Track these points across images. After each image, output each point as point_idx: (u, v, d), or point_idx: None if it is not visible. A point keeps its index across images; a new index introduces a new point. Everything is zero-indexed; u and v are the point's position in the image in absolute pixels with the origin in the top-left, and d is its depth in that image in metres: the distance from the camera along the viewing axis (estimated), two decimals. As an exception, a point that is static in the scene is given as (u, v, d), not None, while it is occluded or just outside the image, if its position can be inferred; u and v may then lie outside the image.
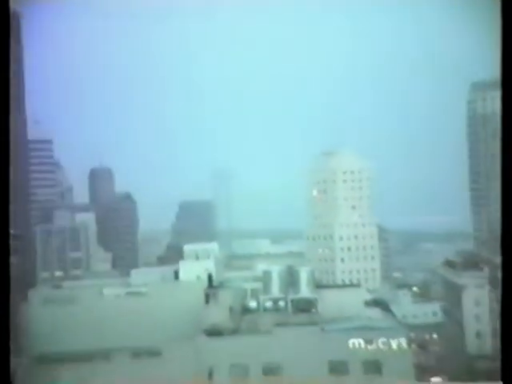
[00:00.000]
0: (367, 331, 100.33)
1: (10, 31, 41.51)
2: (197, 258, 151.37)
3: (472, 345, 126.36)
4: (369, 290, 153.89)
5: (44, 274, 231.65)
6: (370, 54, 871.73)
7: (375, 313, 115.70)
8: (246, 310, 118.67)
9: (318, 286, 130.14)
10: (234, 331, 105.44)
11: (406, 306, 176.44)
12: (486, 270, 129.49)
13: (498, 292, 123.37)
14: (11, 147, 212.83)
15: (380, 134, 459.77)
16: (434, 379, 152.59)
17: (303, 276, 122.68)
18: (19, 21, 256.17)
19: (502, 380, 38.41)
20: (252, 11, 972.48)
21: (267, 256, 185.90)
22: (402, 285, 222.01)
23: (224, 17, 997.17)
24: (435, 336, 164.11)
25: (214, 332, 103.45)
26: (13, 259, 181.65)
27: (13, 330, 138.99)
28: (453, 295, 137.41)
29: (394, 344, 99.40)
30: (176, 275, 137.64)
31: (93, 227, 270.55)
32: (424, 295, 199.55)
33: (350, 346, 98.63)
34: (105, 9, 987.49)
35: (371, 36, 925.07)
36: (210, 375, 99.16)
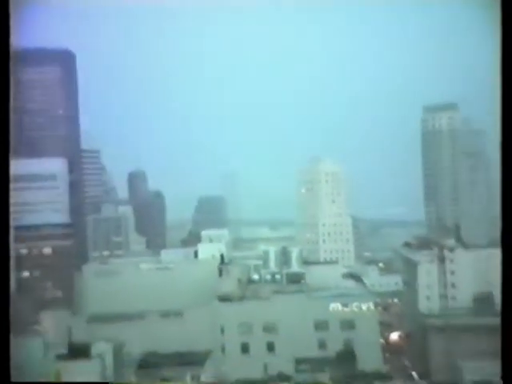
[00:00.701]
0: (344, 297, 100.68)
1: (9, 36, 36.07)
2: (211, 241, 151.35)
3: (424, 306, 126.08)
4: (345, 266, 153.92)
5: (94, 254, 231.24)
6: (351, 72, 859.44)
7: (350, 283, 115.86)
8: (250, 282, 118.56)
9: (306, 262, 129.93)
10: (241, 298, 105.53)
11: (374, 278, 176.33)
12: (435, 249, 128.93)
13: (444, 266, 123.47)
14: (70, 157, 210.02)
15: (355, 144, 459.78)
16: (394, 334, 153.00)
17: (294, 255, 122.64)
18: (75, 59, 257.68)
19: (502, 380, 34.20)
20: (245, 27, 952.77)
21: (266, 239, 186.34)
22: (371, 261, 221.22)
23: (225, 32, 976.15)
24: (396, 300, 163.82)
25: (225, 298, 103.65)
26: (70, 242, 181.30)
27: (71, 296, 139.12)
28: (410, 269, 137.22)
29: (364, 307, 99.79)
30: (195, 254, 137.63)
31: (131, 217, 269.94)
32: (388, 269, 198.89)
33: (331, 308, 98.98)
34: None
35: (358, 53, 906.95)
36: (222, 331, 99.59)
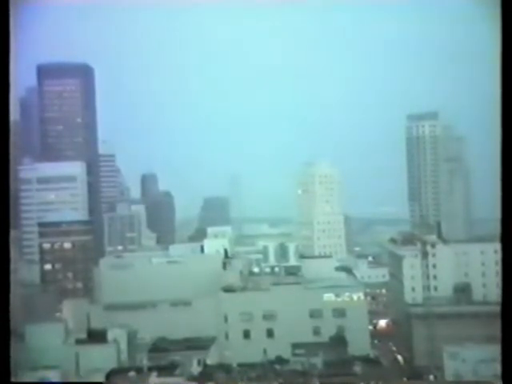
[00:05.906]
0: (336, 288, 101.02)
1: (9, 35, 34.88)
2: (216, 237, 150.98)
3: (408, 296, 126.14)
4: (337, 260, 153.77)
5: (109, 248, 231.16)
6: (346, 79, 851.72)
7: (342, 275, 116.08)
8: (251, 274, 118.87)
9: (302, 256, 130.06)
10: (243, 289, 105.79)
11: (363, 271, 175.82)
12: (418, 244, 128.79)
13: (427, 259, 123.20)
14: (88, 161, 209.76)
15: (347, 149, 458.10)
16: (382, 321, 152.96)
17: (291, 250, 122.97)
18: (93, 73, 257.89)
19: (503, 380, 32.18)
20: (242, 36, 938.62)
21: (266, 236, 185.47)
22: (361, 256, 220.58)
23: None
24: (383, 291, 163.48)
25: (229, 289, 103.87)
26: (88, 237, 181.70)
27: (89, 287, 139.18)
28: (395, 262, 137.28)
29: (355, 297, 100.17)
30: (202, 249, 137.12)
31: (143, 215, 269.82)
32: (376, 263, 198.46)
33: (325, 298, 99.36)
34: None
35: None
36: (226, 319, 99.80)
